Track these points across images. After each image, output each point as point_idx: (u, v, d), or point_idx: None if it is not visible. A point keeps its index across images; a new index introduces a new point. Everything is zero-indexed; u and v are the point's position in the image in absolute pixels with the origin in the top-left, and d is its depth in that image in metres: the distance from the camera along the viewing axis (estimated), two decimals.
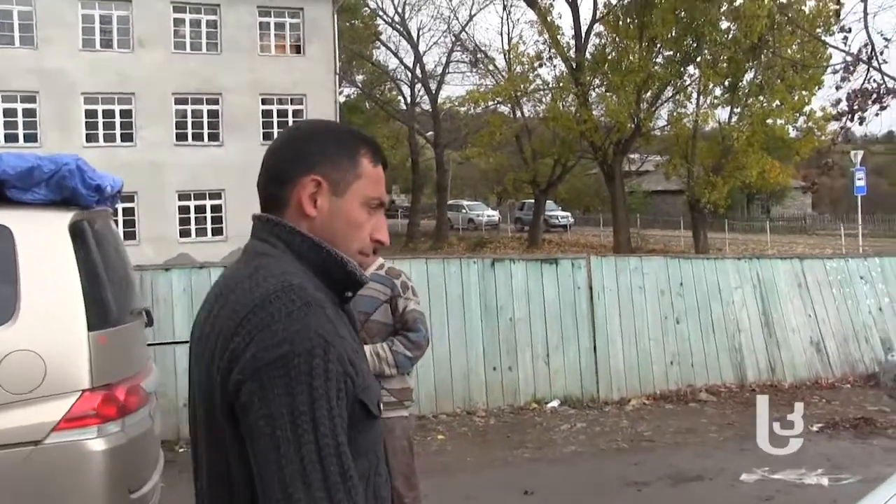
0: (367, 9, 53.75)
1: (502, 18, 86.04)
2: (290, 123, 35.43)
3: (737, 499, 8.46)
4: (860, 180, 32.77)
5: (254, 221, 2.20)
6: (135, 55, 34.11)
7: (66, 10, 32.94)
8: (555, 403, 12.29)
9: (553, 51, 41.26)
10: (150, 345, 7.61)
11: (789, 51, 33.29)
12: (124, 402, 5.52)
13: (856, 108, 11.76)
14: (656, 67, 37.43)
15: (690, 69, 38.19)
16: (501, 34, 67.50)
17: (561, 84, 41.55)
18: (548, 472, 9.45)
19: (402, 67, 55.86)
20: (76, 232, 5.55)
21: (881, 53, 11.71)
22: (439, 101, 52.66)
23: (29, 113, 32.89)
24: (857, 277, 14.54)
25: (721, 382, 13.28)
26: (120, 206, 30.53)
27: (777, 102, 35.31)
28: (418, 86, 54.86)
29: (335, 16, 37.96)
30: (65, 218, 5.52)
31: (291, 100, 36.68)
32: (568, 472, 9.46)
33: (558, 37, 40.54)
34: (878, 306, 14.46)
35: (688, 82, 38.76)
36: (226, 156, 35.10)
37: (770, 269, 14.15)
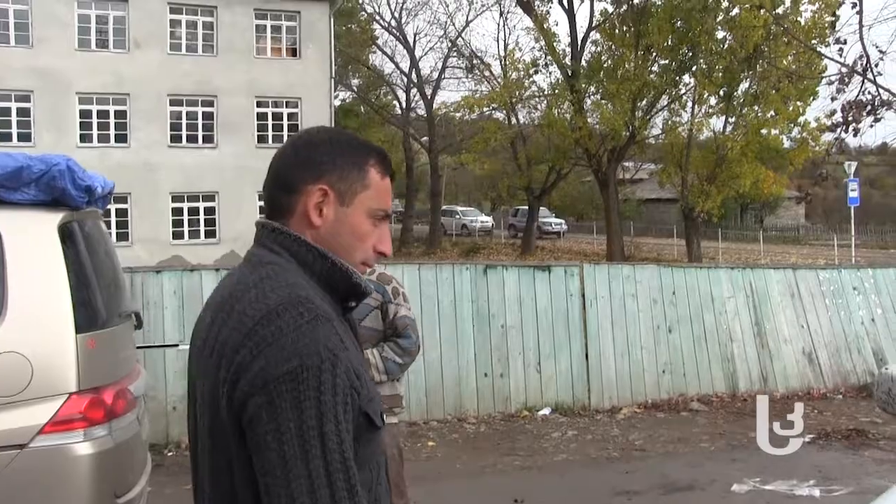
0: (363, 13, 53.78)
1: (499, 25, 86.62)
2: (285, 127, 35.71)
3: None
4: (853, 191, 32.75)
5: (258, 228, 2.18)
6: (130, 56, 34.03)
7: (62, 10, 32.86)
8: (546, 411, 12.27)
9: (549, 58, 41.25)
10: (139, 348, 7.56)
11: (784, 61, 33.26)
12: (112, 406, 5.47)
13: (850, 119, 11.72)
14: (652, 76, 37.40)
15: (686, 78, 38.21)
16: (498, 40, 67.99)
17: (556, 91, 41.50)
18: (538, 479, 9.42)
19: (398, 72, 56.00)
20: (65, 233, 5.50)
21: (876, 65, 11.66)
22: (434, 106, 52.65)
23: (23, 112, 32.80)
24: (850, 288, 14.54)
25: (713, 392, 13.28)
26: (113, 208, 30.57)
27: (772, 113, 35.35)
28: (414, 91, 54.93)
29: (332, 19, 37.92)
30: (54, 219, 5.47)
31: (287, 103, 36.59)
32: (558, 481, 9.43)
33: (554, 44, 40.51)
34: (870, 317, 14.47)
35: (683, 91, 38.78)
36: (220, 158, 35.07)
37: (763, 278, 14.14)
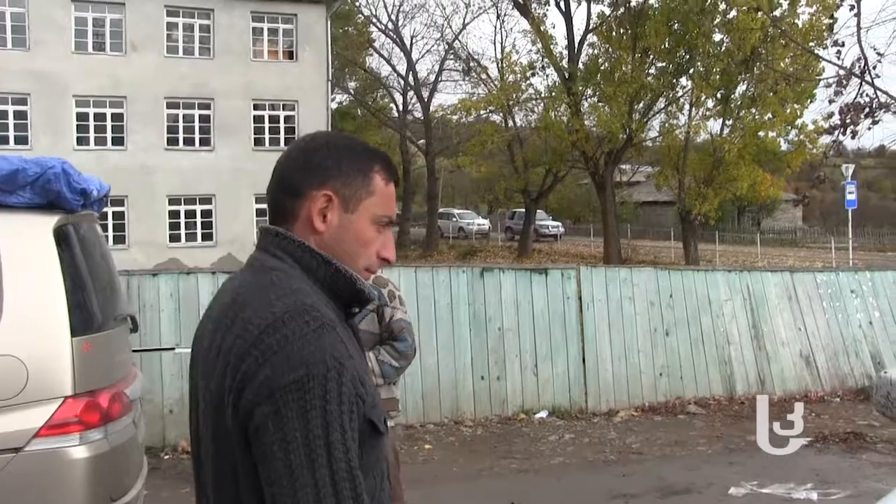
0: (360, 16, 53.80)
1: (496, 27, 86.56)
2: (282, 129, 35.70)
3: None
4: (851, 194, 32.80)
5: (261, 233, 2.17)
6: (127, 59, 33.99)
7: (59, 13, 32.81)
8: (543, 414, 12.25)
9: (546, 60, 41.27)
10: (135, 351, 7.55)
11: (782, 64, 33.27)
12: (107, 410, 5.46)
13: (848, 121, 11.73)
14: (649, 78, 37.43)
15: (683, 81, 38.20)
16: (494, 43, 67.93)
17: (553, 94, 41.51)
18: (535, 483, 9.40)
19: (395, 75, 56.11)
20: (61, 236, 5.49)
21: (874, 68, 11.68)
22: (431, 109, 52.73)
23: (20, 115, 32.75)
24: (848, 291, 14.54)
25: (710, 395, 13.27)
26: (110, 210, 30.55)
27: (769, 115, 35.34)
28: (410, 93, 54.97)
29: (328, 22, 37.88)
30: (49, 222, 5.46)
31: (283, 105, 36.56)
32: (555, 484, 9.41)
33: (551, 46, 40.57)
34: (868, 320, 14.46)
35: (680, 94, 38.81)
36: (217, 161, 35.02)
37: (760, 281, 14.14)
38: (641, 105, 38.53)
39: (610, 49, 39.73)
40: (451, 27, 58.87)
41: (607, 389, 12.78)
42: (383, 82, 57.01)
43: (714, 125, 38.29)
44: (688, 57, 36.47)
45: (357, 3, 52.12)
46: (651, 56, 37.57)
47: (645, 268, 14.98)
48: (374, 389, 2.04)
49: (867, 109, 11.78)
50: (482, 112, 46.17)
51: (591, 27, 41.02)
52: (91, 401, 5.34)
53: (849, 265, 28.79)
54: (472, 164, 48.11)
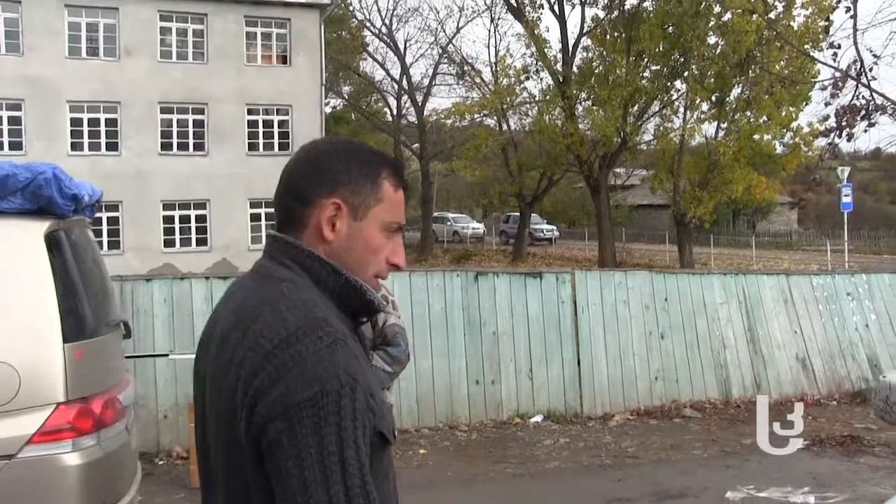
0: (354, 20, 53.83)
1: (489, 31, 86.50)
2: (276, 134, 35.70)
3: None
4: (847, 196, 32.82)
5: (270, 241, 2.15)
6: (121, 63, 33.95)
7: (52, 18, 32.78)
8: (538, 418, 12.23)
9: (540, 64, 41.35)
10: (128, 357, 7.51)
11: (777, 66, 33.31)
12: (100, 416, 5.44)
13: (844, 124, 11.73)
14: (643, 82, 37.49)
15: (677, 84, 38.31)
16: (488, 47, 67.60)
17: (547, 97, 41.59)
18: (530, 487, 9.38)
19: (389, 79, 56.14)
20: (52, 242, 5.47)
21: (870, 70, 11.69)
22: (425, 113, 52.82)
23: (14, 121, 32.72)
24: (844, 294, 14.52)
25: (706, 398, 13.25)
26: (104, 216, 30.53)
27: (764, 118, 35.38)
28: (404, 97, 55.01)
29: (322, 26, 37.87)
30: (40, 227, 5.44)
31: (277, 110, 36.54)
32: (550, 488, 9.39)
33: (545, 50, 40.60)
34: (864, 323, 14.45)
35: (675, 97, 38.88)
36: (211, 165, 34.99)
37: (756, 284, 14.12)
38: (636, 108, 38.60)
39: (604, 52, 39.78)
40: (444, 31, 59.16)
41: (602, 393, 12.77)
42: (377, 86, 57.07)
43: (709, 128, 38.37)
44: (682, 60, 36.56)
45: (351, 8, 52.24)
46: (645, 59, 37.66)
47: (640, 271, 14.97)
48: (382, 400, 2.02)
49: (863, 112, 11.78)
50: (476, 116, 46.26)
51: (585, 30, 41.06)
52: (84, 407, 5.31)
53: (845, 268, 28.81)
54: (466, 168, 48.05)
